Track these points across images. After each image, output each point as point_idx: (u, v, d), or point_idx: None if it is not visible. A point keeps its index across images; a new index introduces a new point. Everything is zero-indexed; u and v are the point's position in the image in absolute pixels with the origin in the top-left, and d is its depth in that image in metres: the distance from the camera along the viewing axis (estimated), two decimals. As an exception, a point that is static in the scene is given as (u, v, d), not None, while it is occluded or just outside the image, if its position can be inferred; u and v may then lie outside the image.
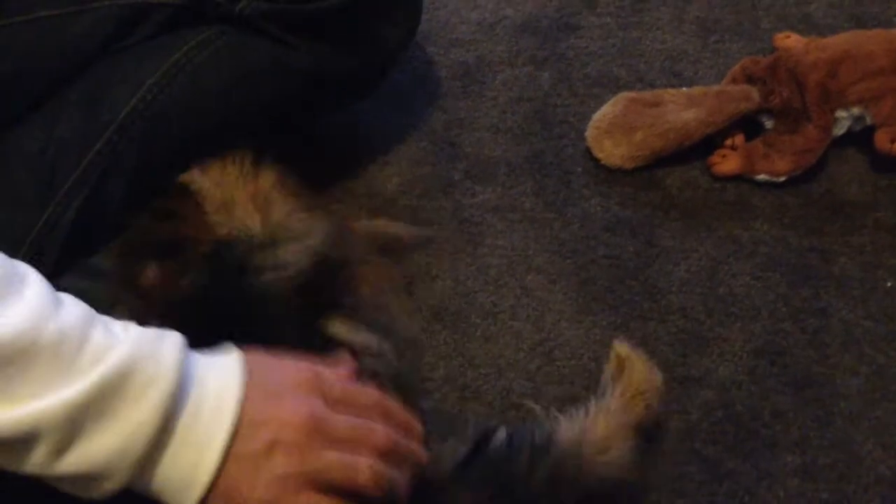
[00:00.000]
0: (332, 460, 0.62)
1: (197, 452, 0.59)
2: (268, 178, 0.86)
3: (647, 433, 0.80)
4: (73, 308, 0.59)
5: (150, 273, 0.81)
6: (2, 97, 0.84)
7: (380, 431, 0.65)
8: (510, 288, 0.97)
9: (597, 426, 0.78)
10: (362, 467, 0.63)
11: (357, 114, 1.11)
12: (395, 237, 0.99)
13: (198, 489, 0.59)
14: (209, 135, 0.91)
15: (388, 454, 0.65)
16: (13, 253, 0.66)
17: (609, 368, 0.86)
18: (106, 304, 0.69)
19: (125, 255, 0.85)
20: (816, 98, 1.02)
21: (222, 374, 0.62)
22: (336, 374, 0.68)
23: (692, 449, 0.85)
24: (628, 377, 0.83)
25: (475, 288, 0.97)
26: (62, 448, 0.56)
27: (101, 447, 0.57)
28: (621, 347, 0.86)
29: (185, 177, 0.84)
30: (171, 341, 0.61)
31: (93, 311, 0.60)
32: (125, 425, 0.57)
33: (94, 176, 0.84)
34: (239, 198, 0.84)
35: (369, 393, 0.68)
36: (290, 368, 0.65)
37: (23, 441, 0.55)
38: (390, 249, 0.94)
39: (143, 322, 0.63)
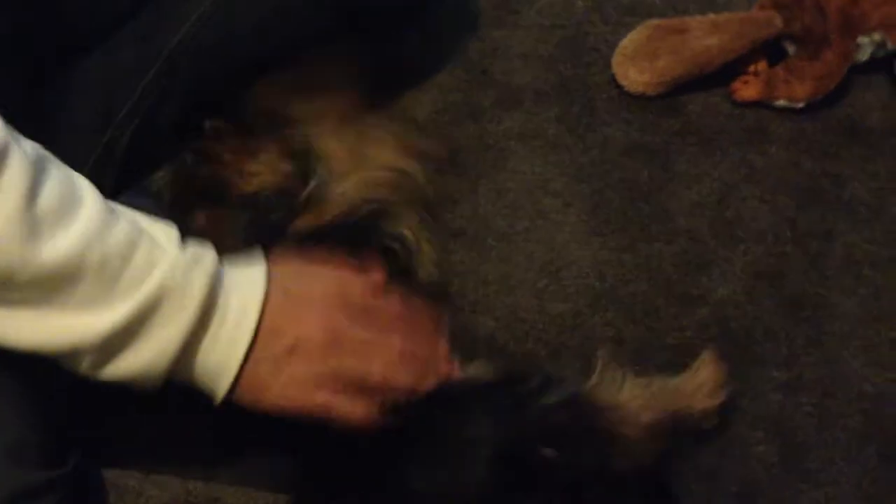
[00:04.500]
0: (345, 364, 0.68)
1: (221, 358, 0.66)
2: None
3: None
4: (120, 229, 0.63)
5: (199, 219, 0.88)
6: (75, 28, 0.92)
7: (395, 343, 0.70)
8: (526, 211, 1.01)
9: (630, 400, 0.76)
10: (374, 371, 0.69)
11: (397, 44, 1.16)
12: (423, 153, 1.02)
13: (223, 386, 0.66)
14: (252, 67, 0.98)
15: (403, 363, 0.71)
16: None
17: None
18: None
19: (175, 200, 0.93)
20: (837, 24, 1.01)
21: (247, 288, 0.67)
22: (364, 282, 0.72)
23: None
24: (698, 381, 0.80)
25: (493, 212, 1.02)
26: (101, 363, 0.64)
27: (132, 363, 0.64)
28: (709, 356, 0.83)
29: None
30: (201, 270, 0.65)
31: (139, 227, 0.65)
32: (153, 346, 0.64)
33: (146, 104, 0.91)
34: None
35: (392, 305, 0.73)
36: (316, 280, 0.70)
37: (68, 356, 0.63)
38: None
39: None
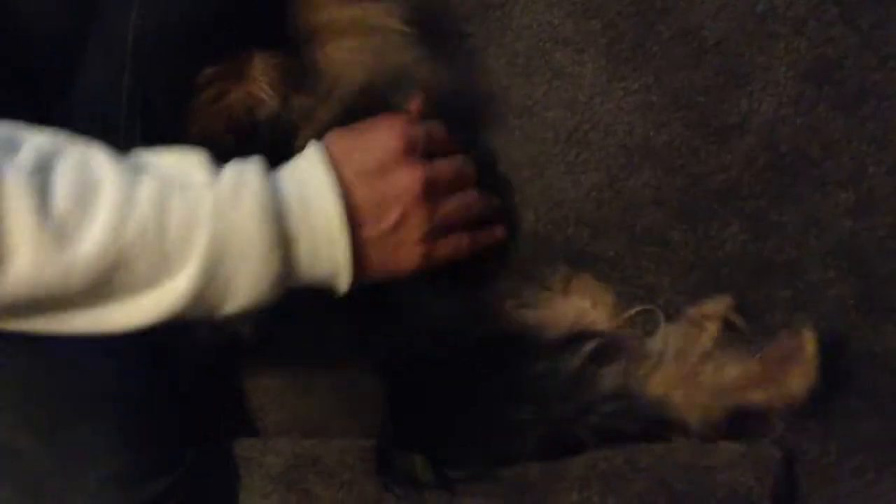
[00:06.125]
0: (450, 206, 0.67)
1: (329, 262, 0.61)
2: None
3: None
4: (145, 194, 0.58)
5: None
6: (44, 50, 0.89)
7: (470, 168, 0.71)
8: (541, 73, 0.87)
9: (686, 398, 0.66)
10: (472, 201, 0.69)
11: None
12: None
13: (344, 283, 0.62)
14: (224, 19, 0.91)
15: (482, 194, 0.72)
16: None
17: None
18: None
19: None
20: None
21: (314, 181, 0.61)
22: (417, 125, 0.69)
23: (735, 208, 0.77)
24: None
25: (508, 83, 0.89)
26: (211, 311, 0.60)
27: (240, 302, 0.60)
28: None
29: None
30: (248, 196, 0.58)
31: (167, 181, 0.59)
32: (246, 286, 0.59)
33: (138, 102, 0.89)
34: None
35: (443, 132, 0.71)
36: (378, 140, 0.65)
37: (181, 318, 0.60)
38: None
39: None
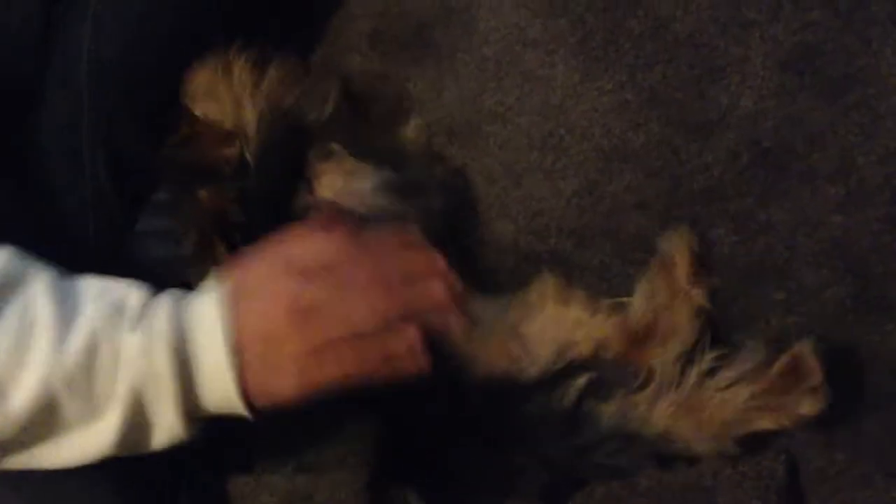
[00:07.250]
0: (327, 325, 0.61)
1: (222, 393, 0.61)
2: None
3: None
4: (75, 340, 0.59)
5: (203, 196, 0.82)
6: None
7: (370, 274, 0.62)
8: (512, 77, 0.83)
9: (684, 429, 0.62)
10: (361, 314, 0.61)
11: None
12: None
13: (242, 409, 0.62)
14: (179, 42, 0.87)
15: (389, 292, 0.62)
16: (84, 227, 0.76)
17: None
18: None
19: (175, 189, 0.87)
20: None
21: (208, 319, 0.62)
22: (312, 239, 0.64)
23: (720, 209, 0.73)
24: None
25: (479, 89, 0.84)
26: (135, 449, 0.62)
27: (158, 440, 0.62)
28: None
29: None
30: (161, 345, 0.60)
31: (95, 328, 0.60)
32: (162, 426, 0.61)
33: (100, 131, 0.85)
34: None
35: (350, 244, 0.64)
36: (263, 264, 0.63)
37: (107, 455, 0.61)
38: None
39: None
